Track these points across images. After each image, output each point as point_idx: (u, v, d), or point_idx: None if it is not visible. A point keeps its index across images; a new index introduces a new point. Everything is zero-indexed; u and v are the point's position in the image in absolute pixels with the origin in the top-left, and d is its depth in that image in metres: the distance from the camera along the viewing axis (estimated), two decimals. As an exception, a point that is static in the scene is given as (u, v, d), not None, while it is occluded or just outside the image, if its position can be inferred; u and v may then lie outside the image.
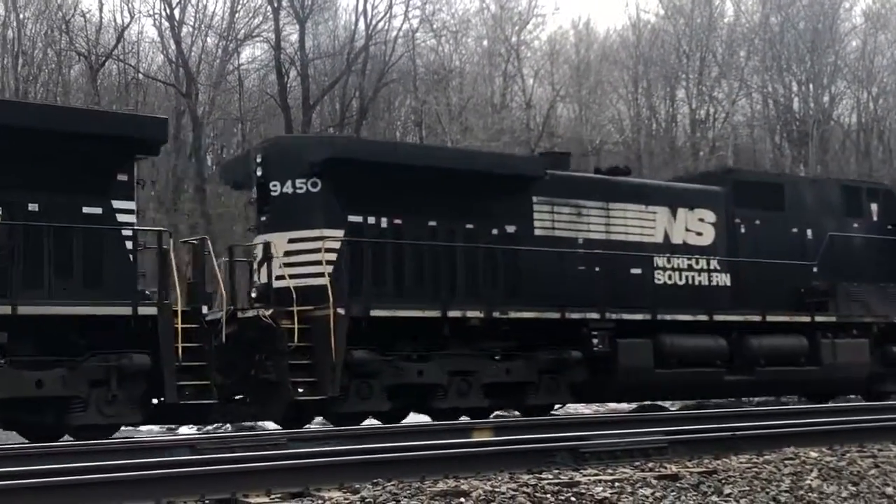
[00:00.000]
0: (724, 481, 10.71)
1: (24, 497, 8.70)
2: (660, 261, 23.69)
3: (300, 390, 18.72)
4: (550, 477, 10.75)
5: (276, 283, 19.55)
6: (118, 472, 9.78)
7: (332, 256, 19.73)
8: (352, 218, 20.25)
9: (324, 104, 52.20)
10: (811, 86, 56.58)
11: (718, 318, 23.54)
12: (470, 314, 20.57)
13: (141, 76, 52.13)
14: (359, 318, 19.28)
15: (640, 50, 57.20)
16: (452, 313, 20.30)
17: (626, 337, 22.15)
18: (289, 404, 19.07)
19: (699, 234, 24.57)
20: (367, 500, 9.31)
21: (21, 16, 51.06)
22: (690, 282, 24.18)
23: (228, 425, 25.02)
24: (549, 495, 9.68)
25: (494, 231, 21.85)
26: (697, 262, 24.25)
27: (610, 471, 11.30)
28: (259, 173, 20.58)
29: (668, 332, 22.68)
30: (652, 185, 25.59)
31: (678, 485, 10.53)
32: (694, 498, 10.03)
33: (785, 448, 12.91)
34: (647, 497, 9.89)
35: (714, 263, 24.50)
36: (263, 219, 20.68)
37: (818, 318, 24.84)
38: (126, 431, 24.08)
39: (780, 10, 56.73)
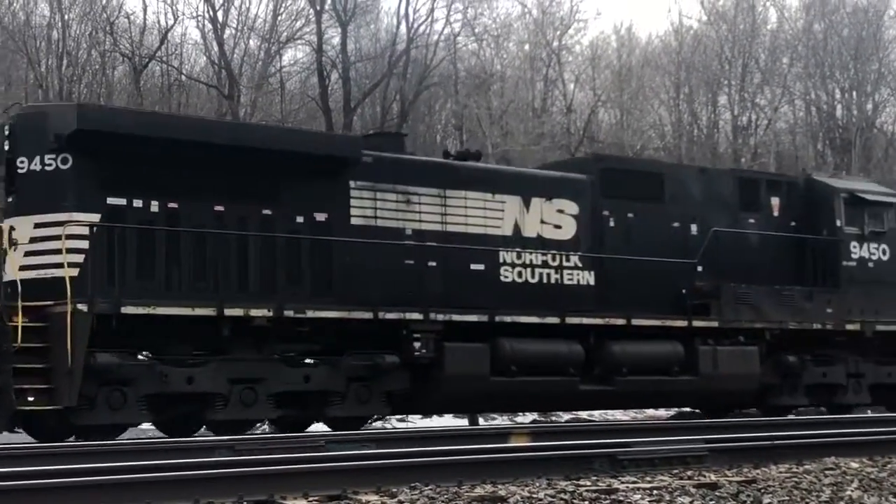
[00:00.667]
0: (763, 490, 10.61)
1: (64, 496, 8.74)
2: (507, 256, 21.08)
3: (30, 399, 16.26)
4: (588, 484, 10.70)
5: (15, 276, 16.80)
6: (157, 472, 9.82)
7: (80, 244, 17.20)
8: (111, 200, 17.70)
9: (364, 107, 52.31)
10: (854, 93, 56.12)
11: (572, 320, 20.99)
12: (255, 313, 18.07)
13: (184, 78, 52.49)
14: (107, 316, 16.76)
15: (683, 55, 56.92)
16: (231, 312, 17.79)
17: (460, 341, 19.87)
18: (15, 414, 16.51)
19: (557, 226, 21.87)
20: (405, 503, 9.29)
21: (66, 17, 51.54)
22: (545, 280, 21.47)
23: (266, 426, 25.13)
24: (586, 502, 9.64)
25: (299, 219, 19.37)
26: (554, 259, 21.57)
27: (648, 478, 11.23)
28: (7, 148, 18.06)
29: (509, 336, 20.27)
30: (500, 172, 23.45)
31: (717, 493, 10.45)
32: (733, 507, 9.95)
33: (825, 458, 12.80)
34: (686, 505, 9.82)
35: (575, 260, 21.83)
36: (10, 199, 18.05)
37: (697, 323, 22.26)
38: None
39: (824, 17, 56.32)
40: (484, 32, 53.30)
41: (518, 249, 21.25)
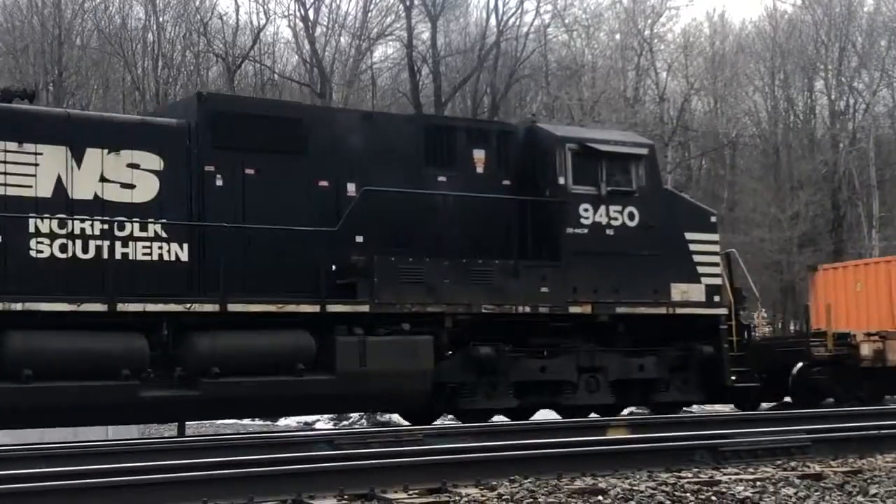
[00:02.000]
0: (869, 481, 10.41)
1: (168, 491, 8.88)
2: (43, 225, 15.88)
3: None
4: (690, 476, 10.59)
5: None
6: (257, 466, 9.93)
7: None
8: None
9: (455, 101, 52.42)
10: (956, 74, 54.87)
11: (130, 307, 15.79)
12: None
13: (276, 77, 53.07)
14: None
15: (777, 41, 56.14)
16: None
17: None
18: None
19: (129, 186, 16.63)
20: (505, 497, 9.27)
21: (161, 19, 52.43)
22: (107, 255, 15.89)
23: (364, 420, 25.33)
24: (688, 494, 9.53)
25: None
26: (123, 228, 16.26)
27: (751, 470, 11.08)
28: None
29: (24, 329, 15.28)
30: (33, 114, 16.83)
31: (822, 484, 10.27)
32: (839, 498, 9.76)
33: (934, 447, 12.53)
34: (790, 497, 9.66)
35: (156, 229, 16.62)
36: None
37: (334, 308, 17.16)
38: (262, 426, 24.53)
39: (924, -4, 55.13)
40: (574, 23, 53.15)
41: (62, 216, 16.05)
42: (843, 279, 28.46)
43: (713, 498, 9.47)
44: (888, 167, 53.74)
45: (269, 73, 53.30)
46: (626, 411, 21.34)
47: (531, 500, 9.16)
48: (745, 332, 21.68)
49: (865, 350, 22.85)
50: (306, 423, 26.43)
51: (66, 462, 10.91)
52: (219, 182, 17.23)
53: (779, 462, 11.60)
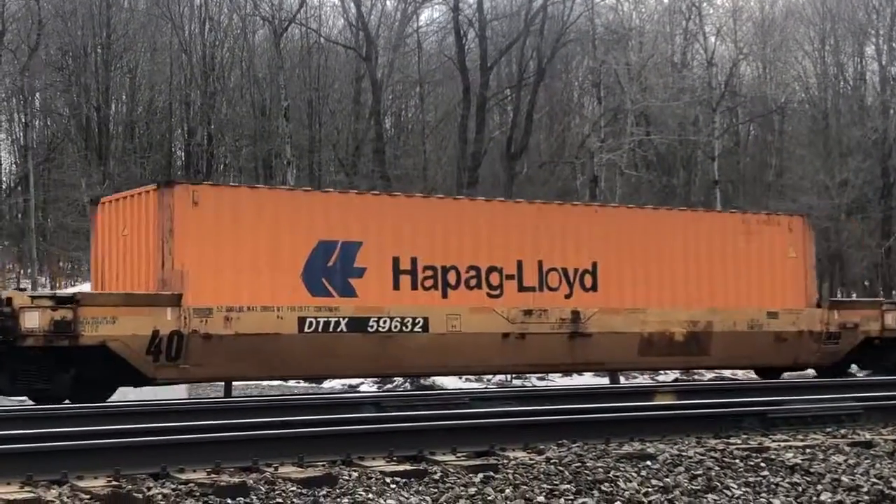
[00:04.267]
0: (921, 450, 10.37)
1: (219, 450, 8.96)
2: None
3: None
4: (739, 442, 10.58)
5: None
6: (310, 427, 10.00)
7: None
8: None
9: (501, 66, 52.15)
10: None
11: None
12: None
13: (322, 40, 53.02)
14: None
15: (828, 5, 55.33)
16: None
17: None
18: None
19: None
20: (553, 460, 9.30)
21: (208, -18, 52.51)
22: None
23: (408, 383, 25.44)
24: (737, 460, 9.52)
25: None
26: None
27: (800, 437, 11.06)
28: None
29: None
30: None
31: (872, 452, 10.24)
32: (889, 465, 9.73)
33: None
34: (840, 464, 9.63)
35: None
36: None
37: None
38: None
39: (979, -40, 54.12)
40: (622, -14, 52.63)
41: None
42: None
43: (762, 464, 9.45)
44: (939, 134, 53.01)
45: (316, 37, 53.25)
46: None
47: (579, 464, 9.18)
48: None
49: None
50: (350, 387, 26.52)
51: (118, 420, 11.06)
52: None
53: (828, 429, 11.57)
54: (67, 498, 7.72)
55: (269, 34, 50.67)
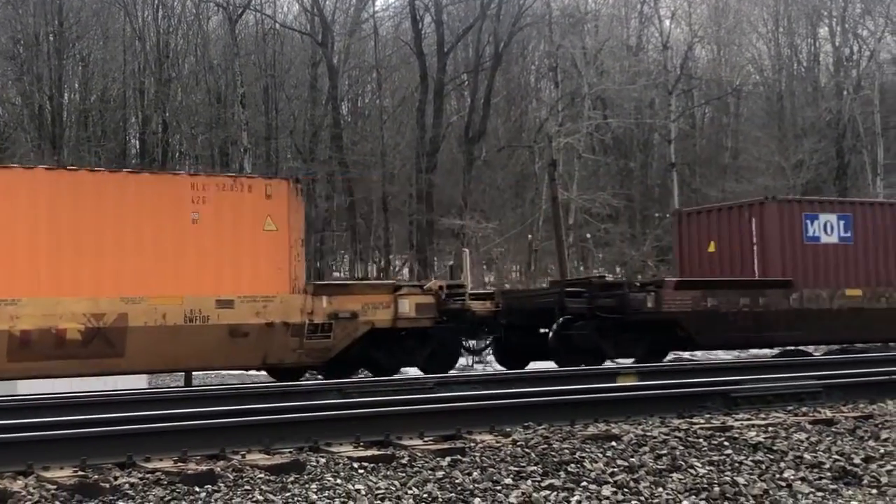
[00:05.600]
0: (880, 426, 10.50)
1: (186, 439, 8.94)
2: None
3: None
4: (702, 422, 10.67)
5: None
6: (275, 414, 9.99)
7: None
8: None
9: (458, 50, 52.18)
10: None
11: None
12: None
13: (278, 26, 52.76)
14: None
15: (781, -13, 55.77)
16: None
17: None
18: None
19: None
20: (519, 443, 9.33)
21: (161, -31, 52.09)
22: None
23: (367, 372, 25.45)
24: (701, 440, 9.59)
25: None
26: None
27: (763, 415, 11.16)
28: None
29: None
30: None
31: (833, 430, 10.34)
32: (850, 443, 9.83)
33: (943, 392, 12.59)
34: (802, 442, 9.72)
35: None
36: None
37: None
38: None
39: (929, -59, 54.65)
40: (577, -30, 52.77)
41: None
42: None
43: (726, 443, 9.53)
44: (892, 114, 53.52)
45: (271, 23, 53.01)
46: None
47: (545, 445, 9.22)
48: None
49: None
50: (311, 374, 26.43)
51: (83, 410, 10.98)
52: None
53: (790, 408, 11.69)
54: (34, 489, 7.67)
55: (223, 20, 50.39)
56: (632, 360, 22.28)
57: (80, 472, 8.04)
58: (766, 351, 27.27)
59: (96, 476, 7.91)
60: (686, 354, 26.83)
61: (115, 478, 7.93)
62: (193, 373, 21.36)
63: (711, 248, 25.75)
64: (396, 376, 18.41)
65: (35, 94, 49.08)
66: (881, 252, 25.48)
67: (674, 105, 50.33)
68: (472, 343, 23.29)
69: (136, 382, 20.29)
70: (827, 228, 24.98)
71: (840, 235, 25.10)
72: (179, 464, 8.39)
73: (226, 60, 50.46)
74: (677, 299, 22.57)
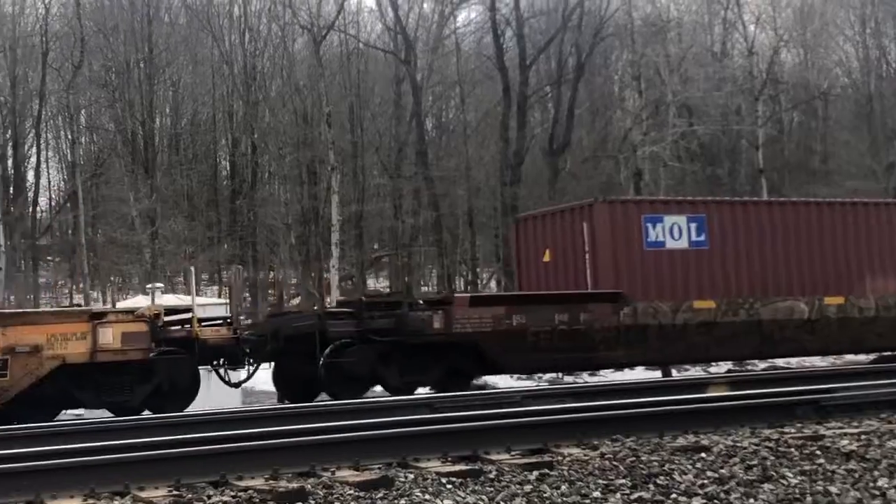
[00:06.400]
0: (978, 433, 10.31)
1: (277, 457, 9.08)
2: None
3: None
4: (793, 431, 10.57)
5: None
6: (365, 430, 10.10)
7: None
8: None
9: (540, 63, 52.12)
10: None
11: None
12: None
13: (361, 46, 53.22)
14: None
15: (868, -12, 54.93)
16: None
17: None
18: None
19: None
20: (607, 455, 9.33)
21: (246, -7, 52.89)
22: None
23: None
24: (793, 449, 9.51)
25: None
26: None
27: (855, 423, 11.02)
28: None
29: None
30: None
31: (929, 437, 10.19)
32: (946, 450, 9.68)
33: None
34: (896, 450, 9.61)
35: None
36: None
37: None
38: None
39: None
40: (659, -22, 52.49)
41: None
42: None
43: (818, 452, 9.44)
44: None
45: (354, 43, 53.49)
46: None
47: (633, 458, 9.22)
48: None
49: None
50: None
51: (177, 430, 11.21)
52: None
53: (883, 415, 11.51)
54: (131, 508, 7.87)
55: (308, 42, 50.92)
56: (427, 388, 20.12)
57: (175, 492, 8.22)
58: (861, 357, 26.85)
59: (190, 495, 8.08)
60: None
61: (209, 496, 8.09)
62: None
63: (547, 258, 23.21)
64: (484, 391, 18.39)
65: (127, 120, 50.13)
66: (743, 257, 22.60)
67: (760, 110, 49.75)
68: (229, 375, 19.59)
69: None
70: (674, 232, 22.04)
71: (692, 240, 22.19)
72: (271, 482, 8.53)
73: (311, 81, 51.01)
74: (473, 318, 19.94)
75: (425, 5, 52.78)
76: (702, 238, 22.27)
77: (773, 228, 22.93)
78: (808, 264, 23.07)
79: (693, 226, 22.26)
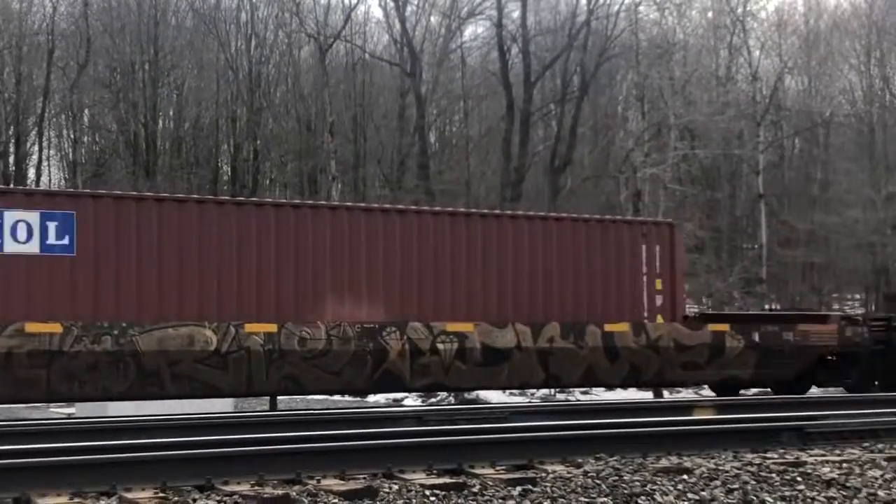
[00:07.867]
0: (959, 465, 10.39)
1: (263, 463, 9.16)
2: None
3: None
4: (776, 457, 10.65)
5: None
6: (348, 440, 10.18)
7: None
8: None
9: (545, 80, 52.29)
10: None
11: None
12: None
13: (367, 56, 53.40)
14: None
15: (874, 18, 55.09)
16: None
17: None
18: None
19: None
20: (590, 474, 9.42)
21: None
22: None
23: (451, 398, 25.58)
24: (774, 475, 9.60)
25: None
26: None
27: (837, 451, 11.10)
28: None
29: None
30: None
31: (909, 468, 10.27)
32: (926, 481, 9.76)
33: None
34: (877, 478, 9.68)
35: None
36: None
37: None
38: (352, 402, 24.86)
39: None
40: (666, 1, 52.59)
41: None
42: None
43: (799, 479, 9.52)
44: None
45: (360, 53, 53.68)
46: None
47: (616, 477, 9.30)
48: None
49: None
50: (395, 401, 26.71)
51: (165, 433, 11.29)
52: None
53: (866, 444, 11.60)
54: (116, 508, 7.95)
55: (314, 51, 51.12)
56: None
57: (161, 494, 8.30)
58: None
59: (176, 498, 8.17)
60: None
61: (194, 500, 8.17)
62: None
63: None
64: (474, 405, 18.47)
65: (130, 121, 50.24)
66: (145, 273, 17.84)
67: (762, 136, 49.90)
68: None
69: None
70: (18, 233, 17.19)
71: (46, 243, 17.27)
72: (256, 487, 8.61)
73: (316, 90, 51.20)
74: None
75: (432, 18, 53.04)
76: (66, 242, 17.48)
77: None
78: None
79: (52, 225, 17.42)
